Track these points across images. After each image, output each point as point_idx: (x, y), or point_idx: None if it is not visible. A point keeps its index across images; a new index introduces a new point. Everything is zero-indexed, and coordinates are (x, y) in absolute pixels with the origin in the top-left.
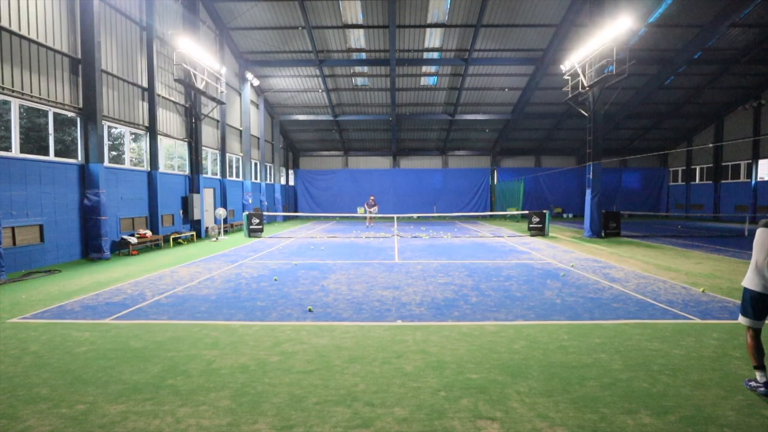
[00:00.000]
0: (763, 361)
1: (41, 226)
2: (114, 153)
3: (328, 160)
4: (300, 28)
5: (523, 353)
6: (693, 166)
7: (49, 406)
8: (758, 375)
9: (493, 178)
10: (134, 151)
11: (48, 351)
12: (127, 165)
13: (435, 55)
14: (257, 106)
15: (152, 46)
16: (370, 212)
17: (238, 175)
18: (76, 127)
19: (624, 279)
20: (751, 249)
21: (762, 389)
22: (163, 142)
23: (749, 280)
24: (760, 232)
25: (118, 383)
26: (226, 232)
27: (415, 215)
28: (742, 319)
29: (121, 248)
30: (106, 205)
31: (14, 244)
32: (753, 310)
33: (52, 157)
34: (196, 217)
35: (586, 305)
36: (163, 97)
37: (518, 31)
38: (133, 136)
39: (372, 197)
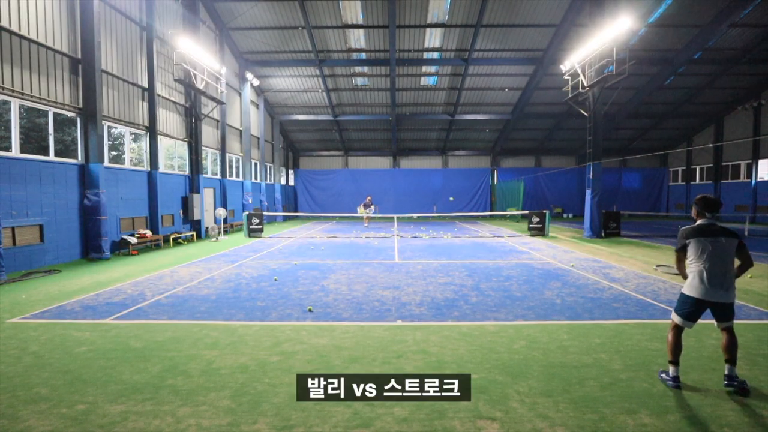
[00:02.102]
0: (679, 358)
1: (41, 226)
2: (114, 153)
3: (328, 160)
4: (300, 28)
5: (523, 353)
6: (693, 166)
7: (49, 406)
8: (672, 369)
9: (493, 178)
10: (134, 151)
11: (48, 351)
12: (127, 165)
13: (435, 55)
14: (257, 106)
15: (152, 46)
16: (366, 212)
17: (238, 175)
18: (76, 127)
19: (624, 279)
20: (750, 251)
21: (671, 383)
22: (163, 142)
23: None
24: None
25: (118, 383)
26: (226, 232)
27: (415, 215)
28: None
29: (121, 248)
30: (106, 205)
31: (14, 244)
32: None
33: (52, 157)
34: (196, 217)
35: (586, 305)
36: (163, 97)
37: (518, 31)
38: (133, 136)
39: (369, 197)
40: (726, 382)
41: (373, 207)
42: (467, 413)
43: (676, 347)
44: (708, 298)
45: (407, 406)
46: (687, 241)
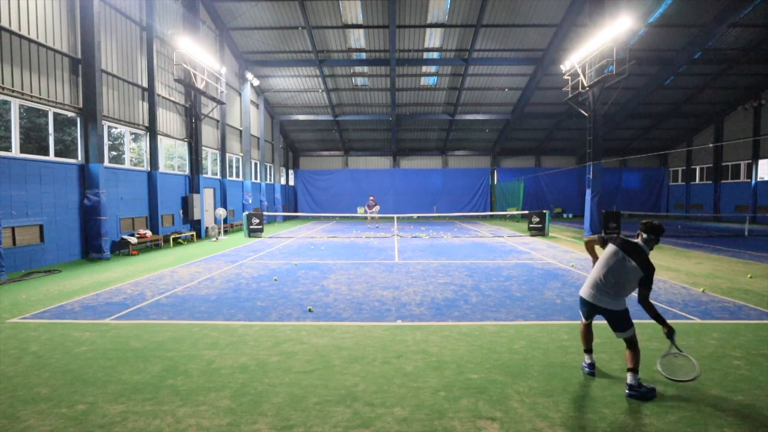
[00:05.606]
0: (591, 346)
1: (41, 226)
2: (114, 153)
3: (328, 160)
4: (300, 28)
5: (523, 353)
6: (693, 166)
7: (49, 406)
8: (586, 357)
9: (493, 178)
10: (134, 151)
11: (48, 351)
12: (127, 165)
13: (435, 55)
14: (257, 106)
15: (152, 46)
16: (371, 213)
17: (238, 175)
18: (76, 127)
19: None
20: (750, 250)
21: (586, 369)
22: (163, 142)
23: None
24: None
25: (118, 383)
26: (226, 232)
27: (415, 215)
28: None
29: (121, 248)
30: (106, 205)
31: (14, 244)
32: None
33: (52, 157)
34: (196, 217)
35: None
36: (163, 97)
37: (518, 31)
38: (133, 136)
39: (372, 197)
40: (627, 391)
41: (377, 207)
42: (467, 413)
43: (585, 338)
44: (594, 301)
45: (407, 406)
46: (610, 242)
